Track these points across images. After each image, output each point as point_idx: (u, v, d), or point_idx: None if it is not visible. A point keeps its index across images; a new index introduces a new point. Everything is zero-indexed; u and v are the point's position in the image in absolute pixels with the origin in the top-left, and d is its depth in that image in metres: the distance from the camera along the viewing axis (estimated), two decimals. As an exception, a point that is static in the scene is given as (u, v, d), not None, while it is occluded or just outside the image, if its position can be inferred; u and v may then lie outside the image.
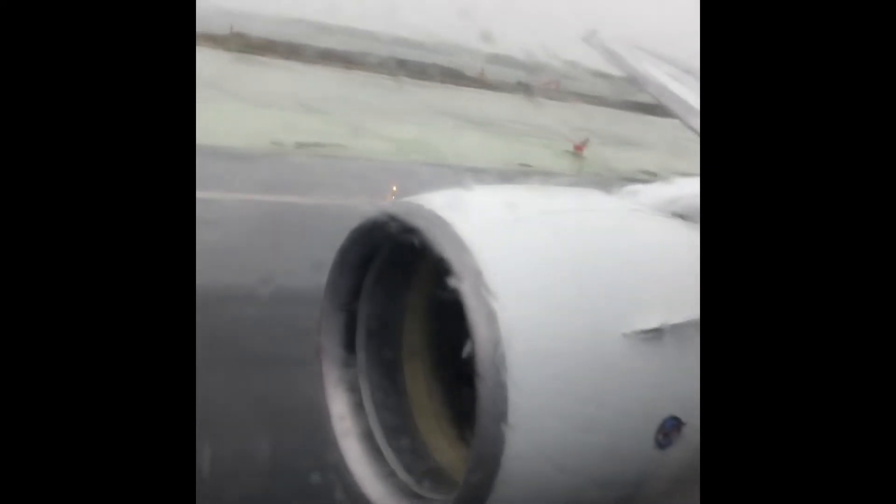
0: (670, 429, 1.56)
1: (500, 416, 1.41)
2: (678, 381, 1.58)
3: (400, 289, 1.80)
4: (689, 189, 1.88)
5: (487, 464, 1.44)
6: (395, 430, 1.80)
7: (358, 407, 1.81)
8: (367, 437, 1.78)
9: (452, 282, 1.46)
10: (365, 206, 1.72)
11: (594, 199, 1.83)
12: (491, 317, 1.41)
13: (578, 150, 20.23)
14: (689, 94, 3.74)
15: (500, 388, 1.40)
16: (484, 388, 1.41)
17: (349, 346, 1.82)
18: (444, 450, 1.78)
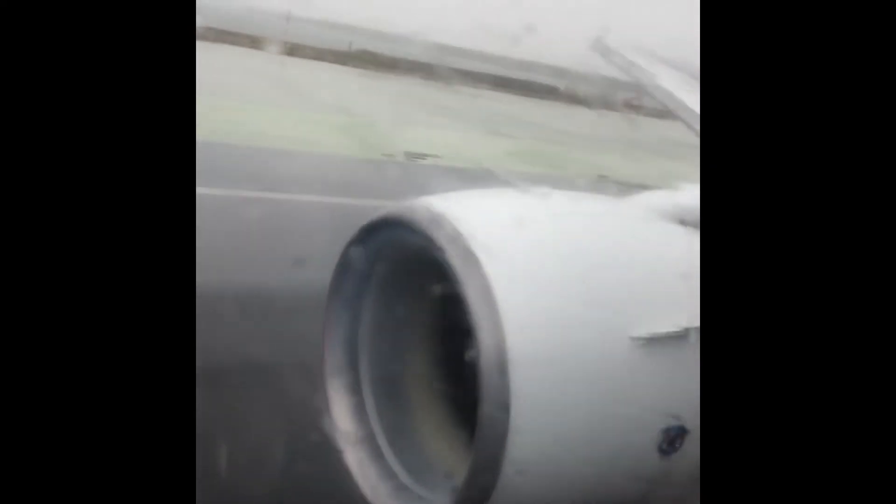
0: (675, 436, 1.55)
1: (503, 420, 1.40)
2: (684, 388, 1.57)
3: (404, 291, 1.79)
4: (696, 195, 1.87)
5: (489, 467, 1.44)
6: (398, 432, 1.79)
7: (360, 409, 1.80)
8: (369, 439, 1.78)
9: (456, 284, 1.46)
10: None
11: (602, 204, 1.83)
12: (495, 320, 1.41)
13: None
14: (696, 100, 3.73)
15: (503, 392, 1.40)
16: (487, 391, 1.41)
17: (352, 347, 1.82)
18: (447, 452, 1.77)
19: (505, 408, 1.40)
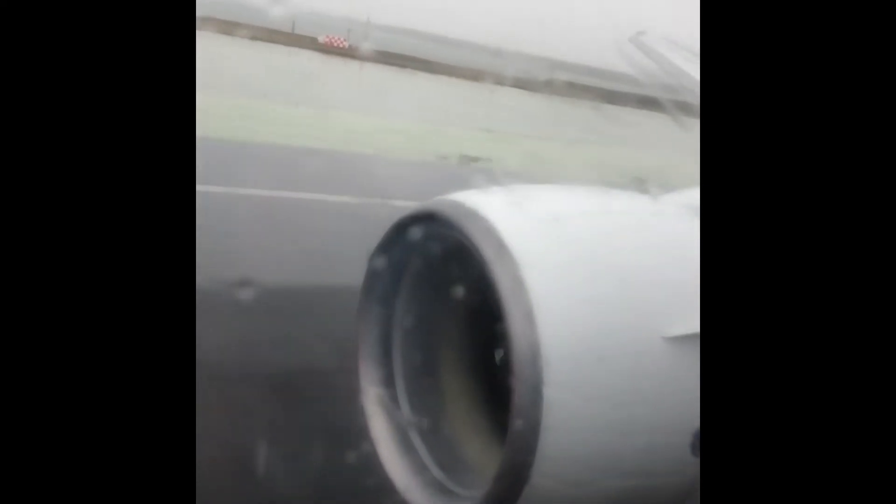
0: None
1: (535, 416, 1.40)
2: None
3: (438, 286, 1.80)
4: None
5: (520, 463, 1.44)
6: (430, 426, 1.80)
7: (393, 402, 1.82)
8: (401, 433, 1.79)
9: (489, 279, 1.46)
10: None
11: (634, 201, 1.81)
12: (529, 317, 1.41)
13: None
14: None
15: (536, 389, 1.40)
16: (519, 388, 1.41)
17: (386, 341, 1.83)
18: (478, 448, 1.78)
19: (537, 404, 1.40)
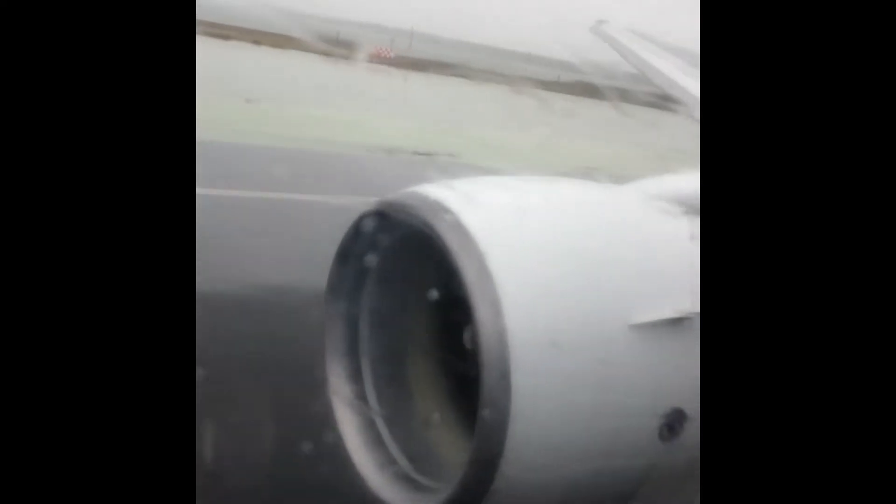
0: (675, 421, 1.56)
1: (504, 405, 1.41)
2: (684, 374, 1.57)
3: (404, 279, 1.79)
4: (696, 182, 1.87)
5: (490, 453, 1.44)
6: (398, 420, 1.80)
7: (360, 397, 1.81)
8: (370, 427, 1.78)
9: (456, 271, 1.45)
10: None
11: (601, 191, 1.82)
12: (495, 307, 1.41)
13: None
14: (695, 85, 3.72)
15: (504, 378, 1.40)
16: (487, 377, 1.41)
17: (352, 336, 1.82)
18: (448, 439, 1.78)
19: (506, 393, 1.40)
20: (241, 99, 13.73)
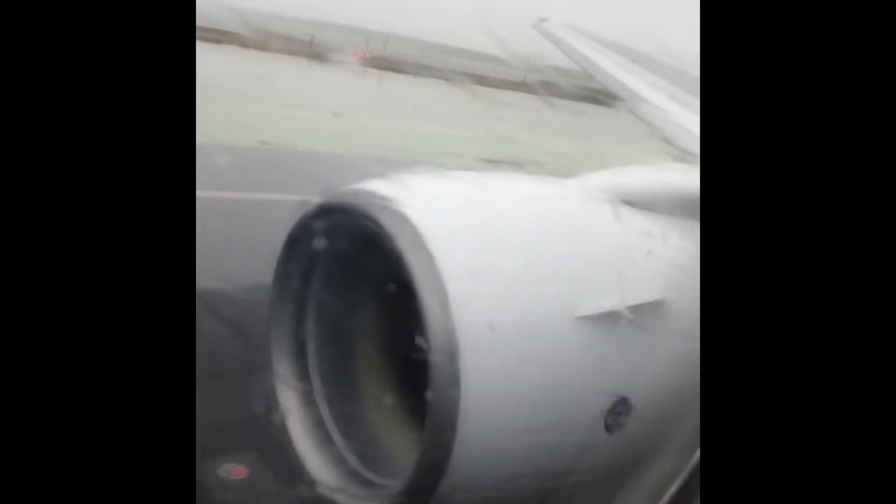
0: (620, 412, 1.59)
1: (453, 400, 1.41)
2: (630, 365, 1.60)
3: (351, 276, 1.78)
4: (638, 177, 1.91)
5: (440, 447, 1.44)
6: (347, 418, 1.79)
7: (308, 397, 1.79)
8: (318, 426, 1.77)
9: (404, 269, 1.45)
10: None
11: (546, 186, 1.84)
12: (443, 303, 1.41)
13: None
14: (635, 81, 3.79)
15: (453, 374, 1.41)
16: (437, 373, 1.42)
17: (299, 335, 1.80)
18: (398, 437, 1.78)
19: (455, 388, 1.41)
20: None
